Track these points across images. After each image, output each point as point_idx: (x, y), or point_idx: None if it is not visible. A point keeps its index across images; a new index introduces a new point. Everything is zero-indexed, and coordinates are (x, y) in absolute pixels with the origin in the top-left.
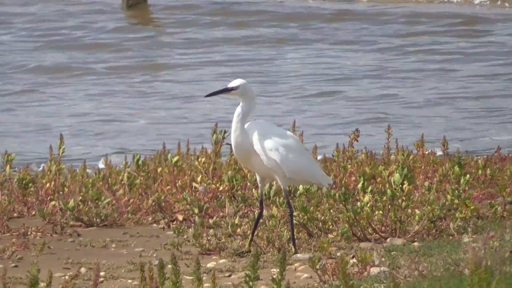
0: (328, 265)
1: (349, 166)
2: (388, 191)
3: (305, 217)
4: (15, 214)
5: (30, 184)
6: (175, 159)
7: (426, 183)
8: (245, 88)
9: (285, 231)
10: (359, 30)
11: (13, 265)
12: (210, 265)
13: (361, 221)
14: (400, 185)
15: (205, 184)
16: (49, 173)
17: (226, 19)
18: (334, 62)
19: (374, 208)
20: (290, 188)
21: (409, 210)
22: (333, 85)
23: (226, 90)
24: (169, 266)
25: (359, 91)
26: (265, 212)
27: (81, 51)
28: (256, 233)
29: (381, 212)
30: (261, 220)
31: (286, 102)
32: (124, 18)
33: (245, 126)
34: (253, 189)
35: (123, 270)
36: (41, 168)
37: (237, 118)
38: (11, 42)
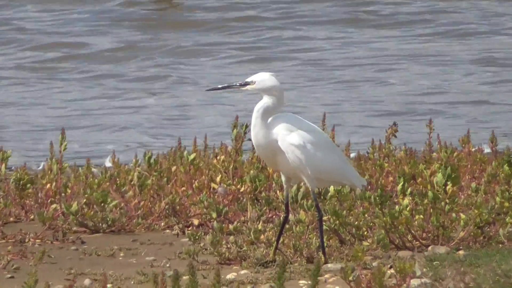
0: (363, 276)
1: (386, 165)
2: (430, 193)
3: (337, 222)
4: (11, 219)
5: (29, 185)
6: (192, 156)
7: (473, 184)
8: (265, 83)
9: (314, 238)
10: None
11: (9, 276)
12: (230, 276)
13: (399, 227)
14: (443, 186)
15: (225, 185)
16: (49, 172)
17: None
18: (376, 47)
19: (414, 212)
20: (320, 190)
21: (454, 214)
22: (373, 73)
23: (240, 85)
24: (185, 277)
25: (401, 80)
26: (291, 217)
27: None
28: (281, 240)
29: (422, 216)
30: (287, 226)
31: (320, 91)
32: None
33: (269, 120)
34: (278, 191)
35: (132, 282)
36: (40, 167)
37: (256, 113)
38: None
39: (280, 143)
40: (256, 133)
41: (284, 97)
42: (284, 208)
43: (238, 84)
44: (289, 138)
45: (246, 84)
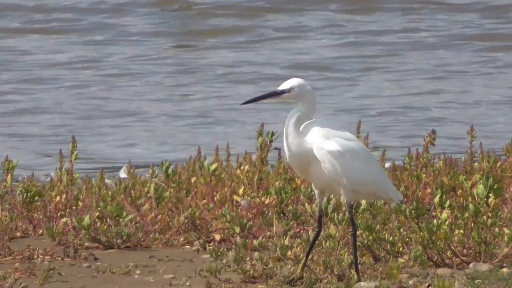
0: None
1: (423, 176)
2: (471, 205)
3: (370, 237)
4: (18, 234)
5: (37, 197)
6: (213, 167)
7: None
8: (302, 89)
9: (346, 255)
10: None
11: None
12: None
13: (438, 242)
14: (485, 199)
15: (249, 198)
16: (59, 184)
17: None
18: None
19: (453, 226)
20: (353, 202)
21: (497, 229)
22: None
23: (275, 94)
24: None
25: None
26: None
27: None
28: (310, 256)
29: (462, 231)
30: (316, 242)
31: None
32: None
33: (301, 127)
34: (307, 203)
35: None
36: (49, 178)
37: (289, 122)
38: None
39: (316, 151)
40: (289, 143)
41: (316, 104)
42: (316, 222)
43: (273, 93)
44: (326, 145)
45: (283, 92)
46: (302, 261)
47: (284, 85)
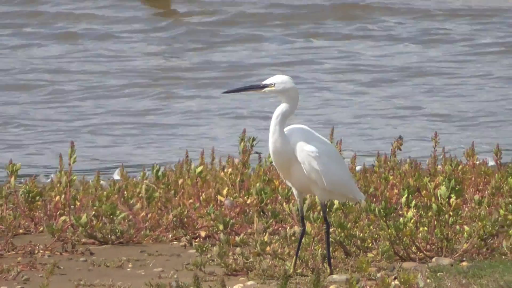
0: (368, 287)
1: (391, 178)
2: (434, 205)
3: (342, 234)
4: (21, 231)
5: (38, 197)
6: (199, 169)
7: (476, 197)
8: (285, 85)
9: (320, 250)
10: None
11: (19, 287)
12: (236, 287)
13: (404, 239)
14: (447, 199)
15: (232, 198)
16: (58, 185)
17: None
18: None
19: (418, 224)
20: (326, 202)
21: (457, 227)
22: (372, 86)
23: (257, 87)
24: None
25: (403, 92)
26: (296, 228)
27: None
28: (287, 251)
29: (426, 228)
30: (293, 238)
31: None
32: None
33: (285, 130)
34: (284, 203)
35: None
36: (49, 180)
37: (275, 120)
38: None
39: (298, 153)
40: (275, 139)
41: (298, 100)
42: (300, 222)
43: (255, 86)
44: (306, 148)
45: (265, 86)
46: (293, 260)
47: (268, 80)
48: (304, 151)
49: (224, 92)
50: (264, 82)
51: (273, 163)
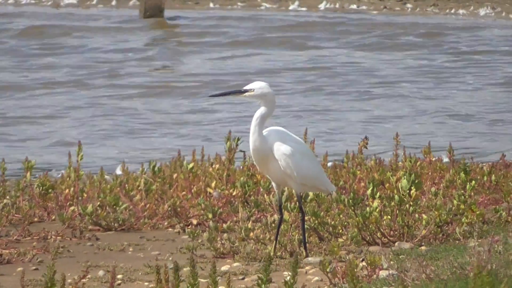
0: (338, 268)
1: (358, 172)
2: (396, 196)
3: (316, 221)
4: (35, 219)
5: (50, 190)
6: (190, 165)
7: (433, 189)
8: (263, 91)
9: (296, 235)
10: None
11: (34, 268)
12: (224, 268)
13: (370, 226)
14: (408, 191)
15: (219, 190)
16: (68, 179)
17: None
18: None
19: (382, 213)
20: (302, 194)
21: (417, 215)
22: (342, 89)
23: (239, 92)
24: (186, 268)
25: (368, 96)
26: (275, 216)
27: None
28: (268, 237)
29: (389, 217)
30: (273, 225)
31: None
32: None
33: (264, 132)
34: (265, 195)
35: (140, 273)
36: (60, 175)
37: (255, 122)
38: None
39: (275, 152)
40: (254, 139)
41: (275, 104)
42: (278, 210)
43: (237, 91)
44: (282, 148)
45: (245, 91)
46: (273, 244)
47: (248, 86)
48: (280, 150)
49: (210, 96)
50: (244, 88)
51: (253, 160)
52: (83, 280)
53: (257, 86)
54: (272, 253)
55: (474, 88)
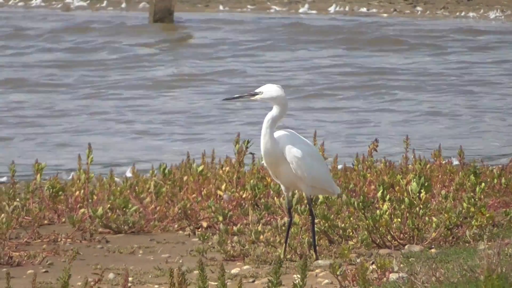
0: (348, 271)
1: (368, 175)
2: (406, 199)
3: (326, 224)
4: (45, 221)
5: (60, 192)
6: (200, 168)
7: (443, 192)
8: (273, 93)
9: (306, 238)
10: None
11: (44, 270)
12: (234, 271)
13: (380, 229)
14: (418, 194)
15: (229, 193)
16: (78, 181)
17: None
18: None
19: (392, 216)
20: (312, 196)
21: (427, 218)
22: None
23: (251, 95)
24: (196, 271)
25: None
26: (286, 219)
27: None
28: (278, 240)
29: (399, 219)
30: (283, 228)
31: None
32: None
33: (275, 135)
34: (275, 197)
35: (150, 276)
36: (70, 177)
37: (266, 124)
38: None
39: (287, 155)
40: (265, 141)
41: (288, 106)
42: (287, 213)
43: (249, 94)
44: (294, 150)
45: (256, 94)
46: (283, 247)
47: (258, 89)
48: (292, 152)
49: (224, 100)
50: (255, 91)
51: (264, 162)
52: (94, 283)
53: (267, 89)
54: (282, 256)
55: None
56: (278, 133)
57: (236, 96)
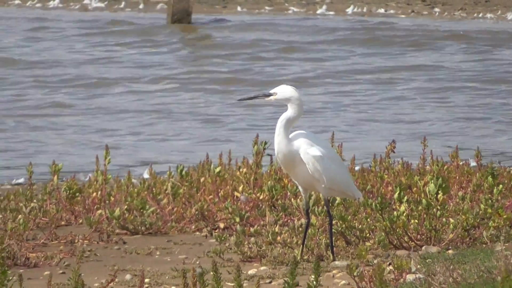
0: (366, 272)
1: (385, 176)
2: (424, 200)
3: (343, 225)
4: (62, 223)
5: (77, 194)
6: (218, 169)
7: (460, 193)
8: (286, 94)
9: (323, 239)
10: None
11: (61, 271)
12: (251, 272)
13: (397, 230)
14: (435, 195)
15: (246, 194)
16: (95, 183)
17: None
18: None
19: (410, 217)
20: (329, 198)
21: (444, 219)
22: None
23: (265, 95)
24: (212, 273)
25: (396, 102)
26: (302, 220)
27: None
28: (295, 241)
29: (416, 221)
30: (300, 229)
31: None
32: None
33: (291, 135)
34: (292, 199)
35: (167, 277)
36: (87, 178)
37: (280, 124)
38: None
39: (302, 155)
40: (279, 141)
41: (303, 107)
42: (305, 214)
43: (263, 95)
44: (310, 151)
45: (270, 95)
46: (300, 248)
47: (273, 90)
48: (308, 153)
49: (239, 100)
50: (270, 91)
51: (279, 163)
52: (111, 284)
53: (281, 89)
54: (298, 257)
55: None
56: (294, 134)
57: (250, 96)
